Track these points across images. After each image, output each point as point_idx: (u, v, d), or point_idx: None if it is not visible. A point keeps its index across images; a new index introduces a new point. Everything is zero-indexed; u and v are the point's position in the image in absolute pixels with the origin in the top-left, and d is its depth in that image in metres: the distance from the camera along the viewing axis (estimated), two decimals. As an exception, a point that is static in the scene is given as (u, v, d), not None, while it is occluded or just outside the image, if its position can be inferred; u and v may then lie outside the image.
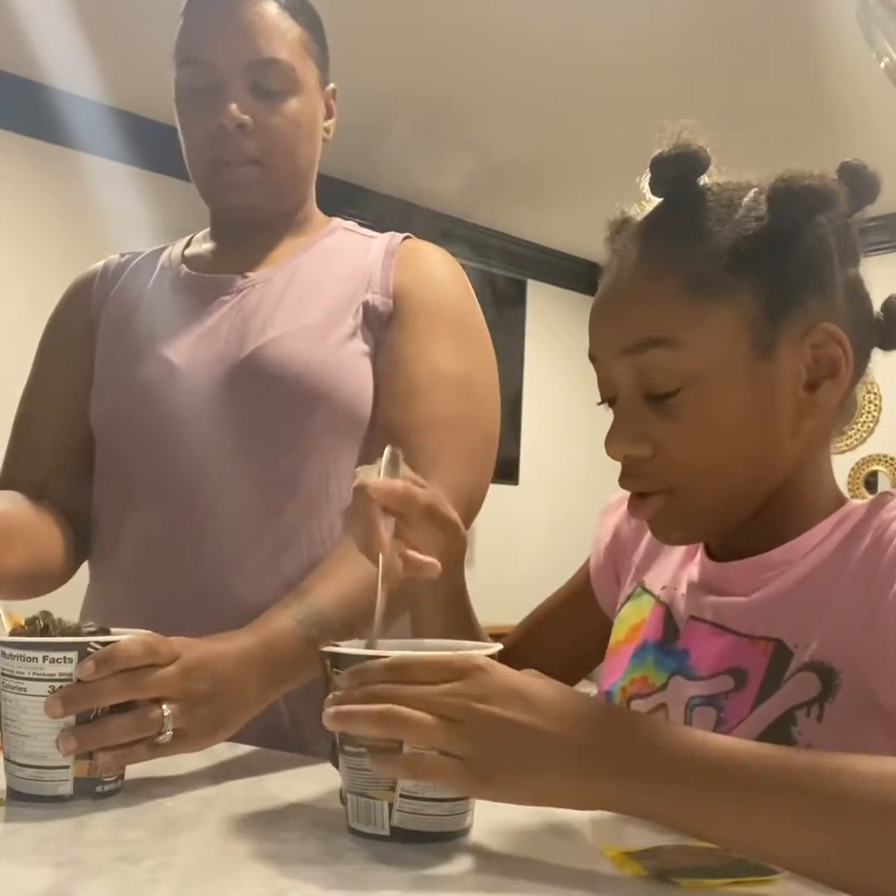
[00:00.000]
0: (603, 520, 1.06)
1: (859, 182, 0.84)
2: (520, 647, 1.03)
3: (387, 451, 0.81)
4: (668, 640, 0.90)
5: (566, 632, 1.04)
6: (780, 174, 0.82)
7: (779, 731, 0.78)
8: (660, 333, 0.80)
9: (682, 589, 0.91)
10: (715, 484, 0.82)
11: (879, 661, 0.74)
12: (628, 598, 0.98)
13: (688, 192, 0.84)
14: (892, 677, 0.73)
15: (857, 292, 0.86)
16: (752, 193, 0.83)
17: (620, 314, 0.84)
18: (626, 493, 0.91)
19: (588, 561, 1.06)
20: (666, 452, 0.82)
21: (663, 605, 0.92)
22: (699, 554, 0.92)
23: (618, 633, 0.97)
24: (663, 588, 0.94)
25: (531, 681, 0.68)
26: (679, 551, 0.95)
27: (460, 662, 0.67)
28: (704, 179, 0.84)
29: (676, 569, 0.94)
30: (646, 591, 0.96)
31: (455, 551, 0.87)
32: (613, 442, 0.83)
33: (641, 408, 0.82)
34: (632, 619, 0.95)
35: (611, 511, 1.06)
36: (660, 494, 0.83)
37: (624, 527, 1.03)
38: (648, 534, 0.99)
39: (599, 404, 0.87)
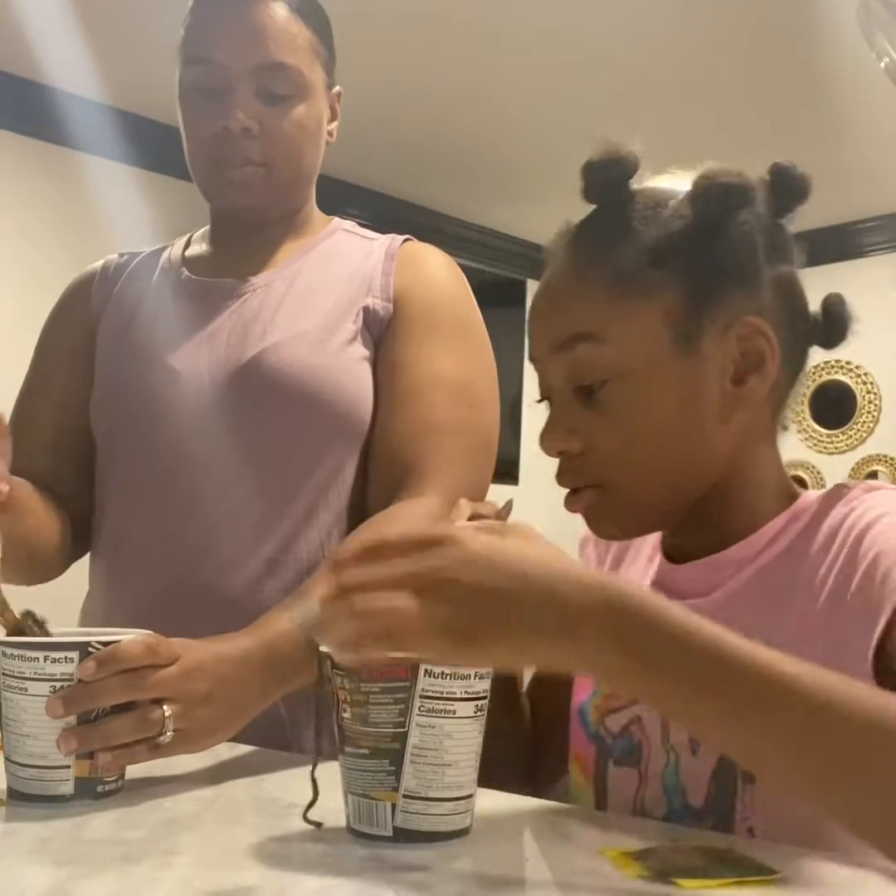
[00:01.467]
0: (581, 553, 1.07)
1: (789, 182, 0.86)
2: (533, 695, 1.04)
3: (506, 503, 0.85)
4: None
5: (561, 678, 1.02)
6: (702, 172, 0.84)
7: None
8: (586, 329, 0.83)
9: None
10: (644, 478, 0.84)
11: (840, 655, 0.74)
12: None
13: (618, 196, 0.86)
14: (855, 671, 0.73)
15: (789, 289, 0.87)
16: (679, 196, 0.85)
17: (551, 313, 0.87)
18: None
19: None
20: (596, 447, 0.84)
21: None
22: (657, 558, 0.93)
23: None
24: None
25: (506, 546, 0.64)
26: (641, 562, 0.96)
27: (431, 535, 0.63)
28: (634, 185, 0.86)
29: (638, 579, 0.94)
30: None
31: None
32: (546, 438, 0.86)
33: (573, 404, 0.85)
34: None
35: (586, 544, 1.06)
36: (592, 489, 0.85)
37: (592, 553, 1.04)
38: (612, 551, 1.00)
39: (538, 402, 0.90)
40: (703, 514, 0.86)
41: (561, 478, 0.87)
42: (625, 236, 0.83)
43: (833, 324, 0.90)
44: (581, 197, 0.87)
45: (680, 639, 0.59)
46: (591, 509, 0.86)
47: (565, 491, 0.88)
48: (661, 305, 0.82)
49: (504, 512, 0.87)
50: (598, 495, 0.85)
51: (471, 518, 0.86)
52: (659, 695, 0.61)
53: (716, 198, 0.83)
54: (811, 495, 0.86)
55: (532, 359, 0.89)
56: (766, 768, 0.62)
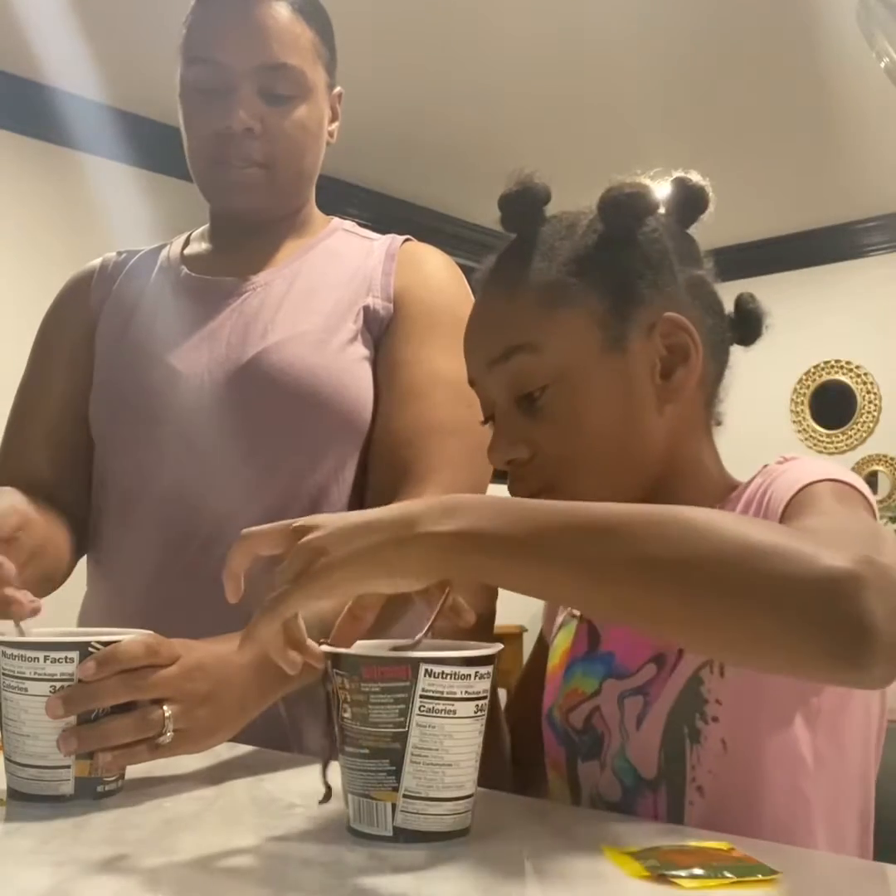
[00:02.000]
0: None
1: (687, 194, 0.93)
2: (513, 710, 1.06)
3: None
4: (592, 648, 0.93)
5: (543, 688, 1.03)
6: (607, 187, 0.89)
7: (690, 695, 0.82)
8: (520, 340, 0.87)
9: None
10: (588, 476, 0.87)
11: None
12: (559, 627, 1.01)
13: (533, 222, 0.91)
14: None
15: (703, 291, 0.92)
16: (591, 215, 0.91)
17: (484, 331, 0.91)
18: None
19: None
20: (542, 452, 0.87)
21: (586, 621, 0.96)
22: None
23: (552, 660, 1.00)
24: None
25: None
26: None
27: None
28: (548, 211, 0.92)
29: None
30: (572, 616, 0.99)
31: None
32: (494, 450, 0.90)
33: (516, 415, 0.88)
34: (563, 645, 0.98)
35: None
36: (542, 494, 0.87)
37: None
38: None
39: (483, 423, 0.93)
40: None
41: (513, 487, 0.90)
42: (545, 254, 0.89)
43: (745, 321, 0.95)
44: (500, 226, 0.92)
45: (487, 511, 0.66)
46: None
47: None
48: (587, 310, 0.87)
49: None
50: (548, 499, 0.87)
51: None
52: (479, 564, 0.67)
53: (622, 207, 0.88)
54: (746, 482, 0.89)
55: (471, 381, 0.93)
56: (580, 602, 0.71)
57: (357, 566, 0.67)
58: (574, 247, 0.88)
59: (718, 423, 0.94)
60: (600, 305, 0.87)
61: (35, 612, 0.86)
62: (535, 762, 1.00)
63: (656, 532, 0.64)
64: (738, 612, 0.62)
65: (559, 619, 1.03)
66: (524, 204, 0.91)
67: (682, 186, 0.93)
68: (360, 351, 1.17)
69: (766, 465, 0.88)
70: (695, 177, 0.94)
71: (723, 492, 0.90)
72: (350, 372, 1.15)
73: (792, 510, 0.78)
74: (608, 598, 0.65)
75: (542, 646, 1.07)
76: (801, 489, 0.78)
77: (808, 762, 0.81)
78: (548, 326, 0.87)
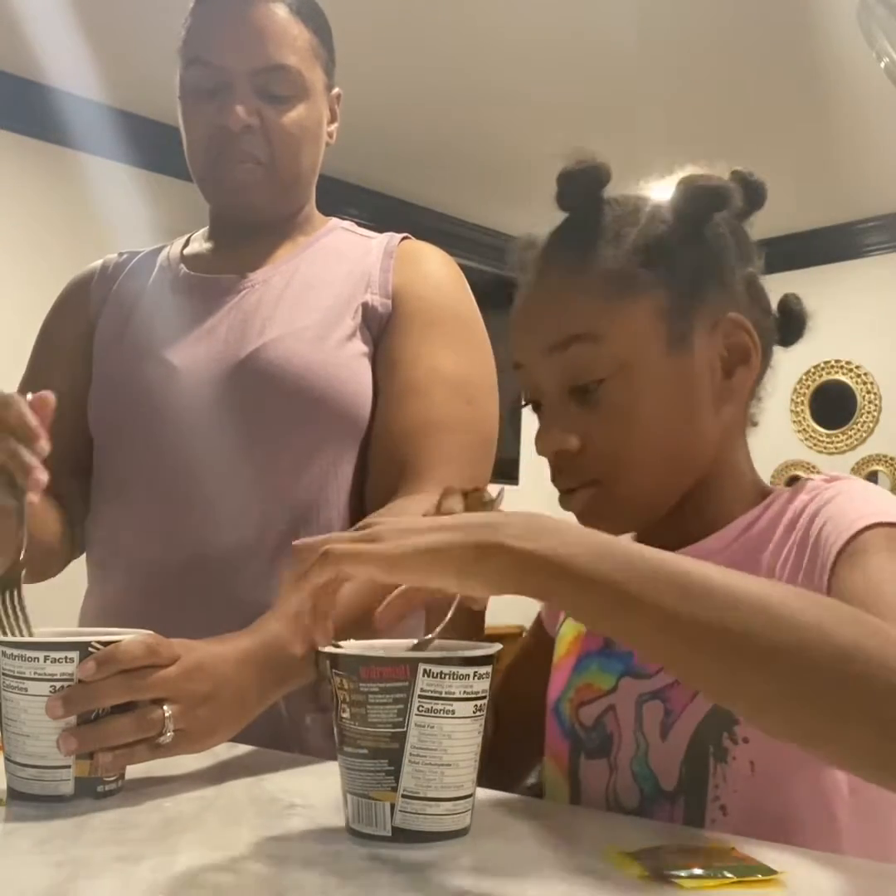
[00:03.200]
0: None
1: (746, 188, 0.90)
2: (498, 702, 1.03)
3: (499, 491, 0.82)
4: (608, 643, 0.92)
5: (535, 676, 1.02)
6: (683, 177, 0.87)
7: (721, 712, 0.80)
8: (581, 330, 0.84)
9: None
10: (641, 471, 0.85)
11: None
12: (566, 616, 1.00)
13: (593, 203, 0.88)
14: None
15: (756, 290, 0.90)
16: (652, 202, 0.89)
17: (542, 317, 0.88)
18: None
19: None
20: (593, 444, 0.85)
21: None
22: None
23: (559, 651, 0.99)
24: None
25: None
26: None
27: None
28: (606, 193, 0.89)
29: None
30: None
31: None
32: (543, 439, 0.87)
33: (567, 404, 0.86)
34: (570, 635, 0.97)
35: None
36: (588, 487, 0.86)
37: None
38: None
39: (524, 406, 0.91)
40: (680, 507, 0.88)
41: (557, 478, 0.88)
42: (610, 239, 0.86)
43: (790, 322, 0.93)
44: (555, 204, 0.89)
45: (572, 538, 0.64)
46: (588, 508, 0.87)
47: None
48: (653, 303, 0.84)
49: (495, 503, 0.86)
50: (594, 493, 0.86)
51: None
52: (555, 590, 0.64)
53: (698, 200, 0.86)
54: (782, 491, 0.89)
55: (517, 364, 0.90)
56: (651, 652, 0.66)
57: (430, 556, 0.64)
58: (642, 235, 0.86)
59: (754, 424, 0.93)
60: (667, 299, 0.84)
61: (39, 485, 0.84)
62: (518, 750, 0.99)
63: (758, 606, 0.61)
64: (832, 713, 0.59)
65: None
66: (585, 183, 0.88)
67: (742, 180, 0.90)
68: (359, 347, 1.17)
69: (808, 479, 0.86)
70: (752, 171, 0.91)
71: (755, 496, 0.89)
72: (348, 368, 1.15)
73: (847, 561, 0.75)
74: (686, 661, 0.63)
75: (540, 635, 1.05)
76: (855, 535, 0.76)
77: (844, 790, 0.80)
78: (612, 317, 0.84)
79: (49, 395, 0.88)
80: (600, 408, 0.84)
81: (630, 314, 0.84)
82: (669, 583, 0.62)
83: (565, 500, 0.88)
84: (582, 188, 0.88)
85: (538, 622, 1.08)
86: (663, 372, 0.84)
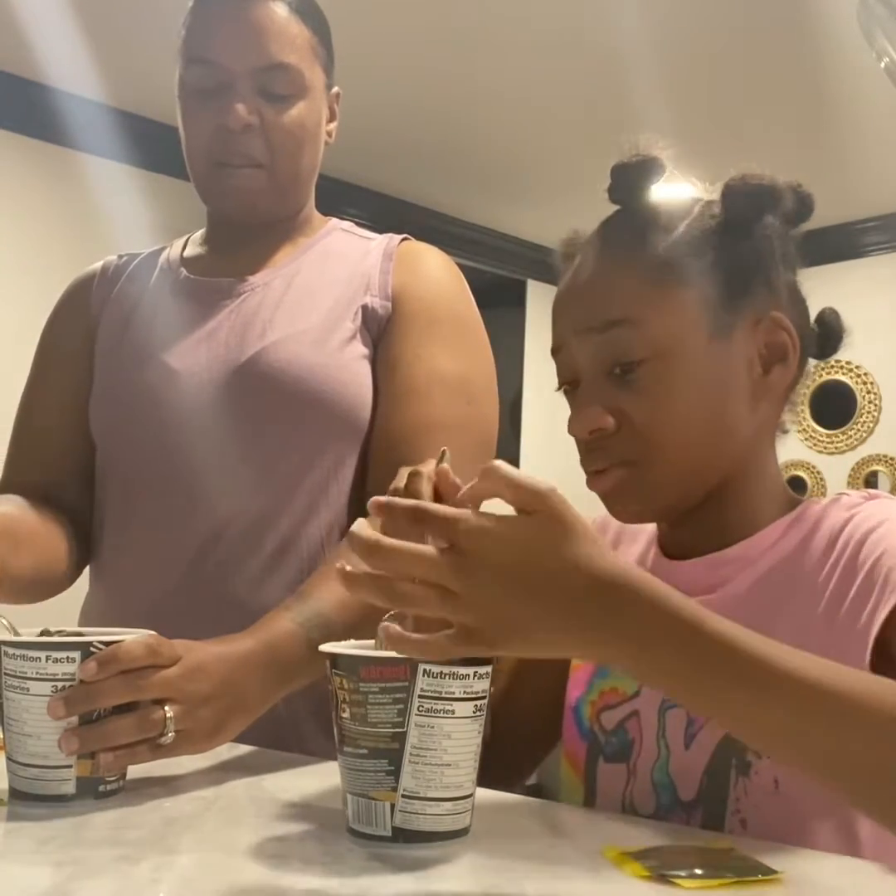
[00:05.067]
0: None
1: (797, 199, 0.90)
2: (510, 692, 1.03)
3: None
4: None
5: (549, 673, 1.01)
6: (734, 174, 0.88)
7: None
8: (623, 314, 0.85)
9: None
10: (674, 456, 0.85)
11: (840, 656, 0.75)
12: None
13: (646, 196, 0.89)
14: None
15: (797, 297, 0.92)
16: (703, 200, 0.90)
17: (584, 300, 0.88)
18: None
19: None
20: (629, 424, 0.85)
21: None
22: (653, 554, 0.94)
23: None
24: None
25: (524, 539, 0.63)
26: (631, 558, 0.97)
27: (468, 526, 0.62)
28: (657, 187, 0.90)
29: None
30: None
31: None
32: (579, 418, 0.87)
33: (604, 385, 0.86)
34: None
35: None
36: (619, 468, 0.86)
37: None
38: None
39: (558, 390, 0.91)
40: (708, 508, 0.88)
41: (587, 458, 0.88)
42: (660, 230, 0.87)
43: (828, 335, 0.94)
44: (607, 196, 0.90)
45: (680, 621, 0.61)
46: (617, 488, 0.87)
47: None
48: (698, 293, 0.85)
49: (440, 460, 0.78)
50: (626, 474, 0.86)
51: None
52: (660, 676, 0.62)
53: (750, 198, 0.87)
54: (814, 502, 0.88)
55: (557, 346, 0.90)
56: (768, 746, 0.64)
57: (519, 650, 0.63)
58: (691, 227, 0.87)
59: (785, 432, 0.93)
60: (712, 290, 0.86)
61: None
62: (524, 747, 0.99)
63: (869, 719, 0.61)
64: None
65: None
66: (639, 176, 0.88)
67: (793, 192, 0.91)
68: (359, 349, 1.17)
69: (845, 494, 0.86)
70: (801, 183, 0.92)
71: (782, 502, 0.89)
72: (349, 370, 1.16)
73: None
74: (805, 755, 0.63)
75: None
76: None
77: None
78: (655, 303, 0.85)
79: None
80: (638, 389, 0.84)
81: (674, 302, 0.85)
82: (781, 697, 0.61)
83: (593, 481, 0.88)
84: (634, 181, 0.88)
85: None
86: (703, 360, 0.85)
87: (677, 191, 0.93)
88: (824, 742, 0.61)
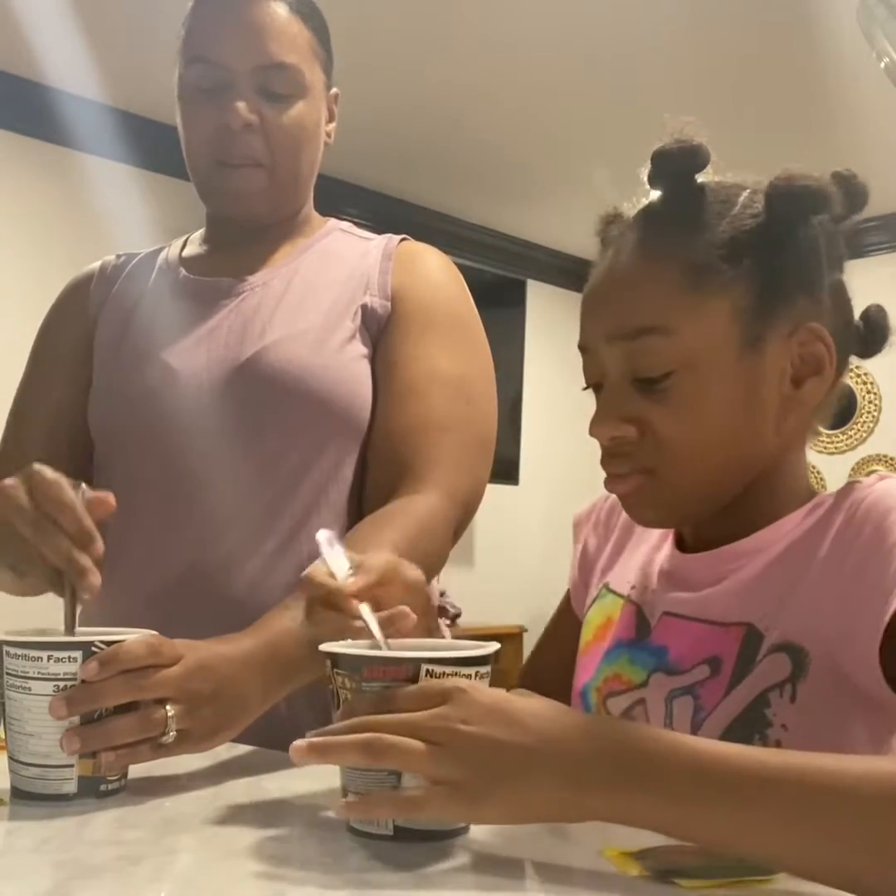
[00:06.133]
0: (576, 533, 1.07)
1: (850, 190, 0.86)
2: (523, 684, 1.03)
3: (322, 536, 0.79)
4: (641, 636, 0.91)
5: (564, 657, 1.01)
6: (779, 173, 0.84)
7: (754, 714, 0.79)
8: (654, 322, 0.82)
9: (653, 584, 0.92)
10: (695, 467, 0.84)
11: (851, 640, 0.75)
12: (594, 600, 0.99)
13: (687, 186, 0.85)
14: (864, 654, 0.74)
15: (841, 297, 0.88)
16: (747, 192, 0.85)
17: (615, 301, 0.85)
18: (592, 504, 0.94)
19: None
20: (652, 433, 0.83)
21: (634, 604, 0.93)
22: (667, 547, 0.93)
23: (586, 635, 0.98)
24: (632, 588, 0.95)
25: (513, 699, 0.66)
26: (643, 550, 0.97)
27: (441, 688, 0.66)
28: (701, 177, 0.86)
29: (644, 566, 0.95)
30: (610, 591, 0.97)
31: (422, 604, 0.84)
32: (600, 423, 0.85)
33: (629, 391, 0.84)
34: (598, 620, 0.96)
35: (581, 523, 1.07)
36: (640, 474, 0.85)
37: (591, 537, 1.05)
38: (614, 536, 1.00)
39: (584, 389, 0.89)
40: (729, 508, 0.87)
41: (608, 462, 0.86)
42: (697, 228, 0.83)
43: (873, 333, 0.91)
44: (648, 182, 0.86)
45: (674, 766, 0.62)
46: (635, 494, 0.86)
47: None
48: (732, 302, 0.82)
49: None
50: (645, 482, 0.85)
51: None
52: (665, 823, 0.63)
53: (796, 201, 0.83)
54: (827, 493, 0.87)
55: (584, 346, 0.88)
56: (777, 857, 0.63)
57: (504, 810, 0.64)
58: (730, 228, 0.83)
59: (817, 434, 0.91)
60: (746, 298, 0.82)
61: (94, 590, 0.83)
62: None
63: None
64: None
65: (592, 592, 1.01)
66: (681, 163, 0.84)
67: (842, 182, 0.86)
68: (359, 349, 1.17)
69: (858, 480, 0.85)
70: (855, 173, 0.87)
71: (803, 500, 0.87)
72: (348, 370, 1.16)
73: None
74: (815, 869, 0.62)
75: (568, 615, 1.04)
76: None
77: None
78: (687, 311, 0.82)
79: (109, 497, 0.87)
80: (663, 399, 0.83)
81: (705, 311, 0.82)
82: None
83: (612, 483, 0.87)
84: (676, 168, 0.85)
85: (566, 602, 1.07)
86: (732, 373, 0.83)
87: (720, 183, 0.87)
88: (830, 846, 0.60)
